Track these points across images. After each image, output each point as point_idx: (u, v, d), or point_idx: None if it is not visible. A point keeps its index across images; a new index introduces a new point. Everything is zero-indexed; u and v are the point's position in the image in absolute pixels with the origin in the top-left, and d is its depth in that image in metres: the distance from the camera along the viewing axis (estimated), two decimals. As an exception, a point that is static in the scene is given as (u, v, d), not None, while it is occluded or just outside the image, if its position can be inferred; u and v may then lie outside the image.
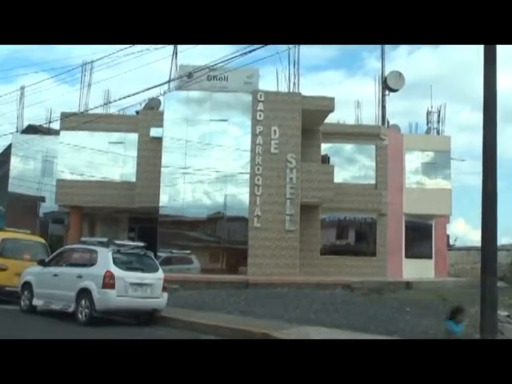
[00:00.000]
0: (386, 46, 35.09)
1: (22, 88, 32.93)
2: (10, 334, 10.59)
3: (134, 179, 28.83)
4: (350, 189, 29.73)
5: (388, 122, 33.78)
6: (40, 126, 33.05)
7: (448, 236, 39.56)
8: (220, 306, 16.49)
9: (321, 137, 29.74)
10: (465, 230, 76.59)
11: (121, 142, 30.42)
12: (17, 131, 33.83)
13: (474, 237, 70.17)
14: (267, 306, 16.59)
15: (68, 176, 30.18)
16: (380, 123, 32.60)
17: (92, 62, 30.33)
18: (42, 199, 33.57)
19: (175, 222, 27.24)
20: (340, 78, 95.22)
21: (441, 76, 76.94)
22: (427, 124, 34.55)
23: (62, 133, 30.34)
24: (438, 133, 34.19)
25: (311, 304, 17.25)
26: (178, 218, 27.22)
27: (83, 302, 13.67)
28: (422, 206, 31.19)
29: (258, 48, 15.29)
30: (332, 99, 27.51)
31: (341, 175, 30.18)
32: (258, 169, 26.55)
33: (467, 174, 79.22)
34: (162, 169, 26.69)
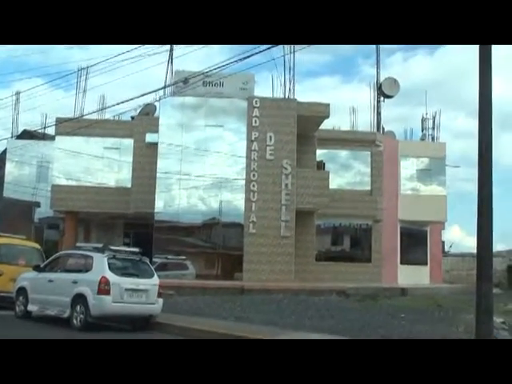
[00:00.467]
0: (382, 53, 35.28)
1: (18, 93, 32.92)
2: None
3: (129, 185, 28.79)
4: (346, 195, 29.79)
5: (383, 129, 33.87)
6: (35, 131, 33.00)
7: (443, 242, 39.62)
8: (215, 312, 16.45)
9: (316, 143, 29.79)
10: (460, 237, 76.80)
11: (116, 148, 30.38)
12: (12, 136, 33.78)
13: (469, 243, 70.46)
14: (262, 312, 16.55)
15: (63, 181, 30.12)
16: (375, 129, 32.68)
17: (87, 67, 30.36)
18: (37, 204, 33.49)
19: (170, 228, 27.22)
20: (335, 84, 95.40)
21: (436, 82, 77.21)
22: (422, 130, 34.70)
23: (57, 138, 30.28)
24: (432, 139, 34.28)
25: (306, 310, 17.23)
26: (173, 223, 27.21)
27: (78, 307, 13.61)
28: (417, 212, 31.25)
29: (254, 54, 15.34)
30: (327, 105, 27.57)
31: (336, 181, 30.23)
32: (254, 175, 26.56)
33: (462, 180, 79.38)
34: (158, 174, 26.70)
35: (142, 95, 20.20)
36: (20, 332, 13.04)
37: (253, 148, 26.73)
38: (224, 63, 16.79)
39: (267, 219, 26.30)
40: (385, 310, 17.80)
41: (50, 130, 31.86)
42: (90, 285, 13.56)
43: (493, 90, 10.54)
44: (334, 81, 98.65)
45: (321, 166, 30.47)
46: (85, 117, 28.18)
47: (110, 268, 13.83)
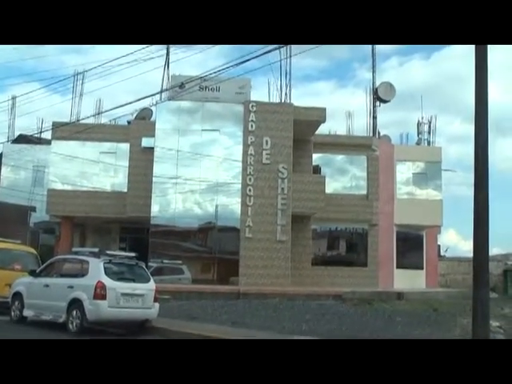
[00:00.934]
0: (377, 57, 35.20)
1: (14, 98, 32.89)
2: None
3: (125, 189, 28.76)
4: (342, 199, 29.82)
5: (379, 133, 33.88)
6: (31, 135, 32.91)
7: (439, 246, 39.63)
8: (212, 317, 16.45)
9: (312, 147, 29.83)
10: (456, 241, 76.92)
11: (112, 152, 30.35)
12: (8, 141, 33.71)
13: (465, 247, 70.40)
14: (259, 317, 16.56)
15: (59, 186, 30.07)
16: (371, 134, 32.71)
17: (84, 71, 30.34)
18: (33, 209, 33.39)
19: (166, 232, 27.20)
20: (331, 89, 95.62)
21: (432, 87, 77.34)
22: (418, 135, 34.69)
23: (53, 142, 30.27)
24: (428, 143, 34.30)
25: (303, 315, 17.22)
26: (169, 228, 27.20)
27: (74, 312, 13.57)
28: (413, 216, 31.27)
29: (251, 59, 15.36)
30: (323, 110, 27.60)
31: (332, 186, 30.29)
32: (250, 179, 26.56)
33: (458, 184, 79.53)
34: (154, 179, 26.70)
35: (139, 100, 20.25)
36: (15, 337, 12.99)
37: (249, 152, 26.74)
38: (220, 68, 16.84)
39: (263, 223, 26.30)
40: (381, 315, 17.81)
41: (46, 135, 31.79)
42: (86, 290, 13.52)
43: (489, 93, 10.57)
44: (329, 85, 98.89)
45: (317, 170, 30.51)
46: (81, 121, 28.17)
47: (106, 273, 13.80)
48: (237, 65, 16.22)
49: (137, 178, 28.16)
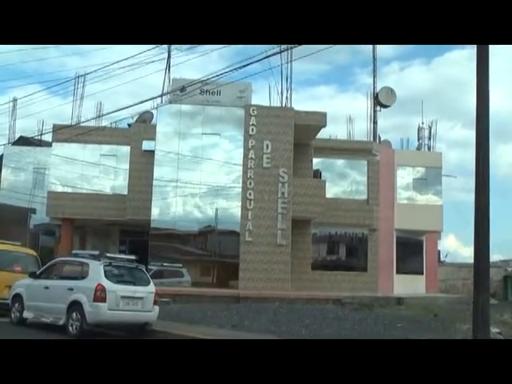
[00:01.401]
0: (378, 62, 35.28)
1: (15, 100, 32.92)
2: None
3: (125, 192, 28.77)
4: (342, 204, 29.82)
5: (379, 138, 33.90)
6: (32, 137, 32.98)
7: (439, 252, 39.63)
8: (211, 320, 16.43)
9: (313, 151, 29.83)
10: (455, 246, 76.83)
11: (113, 155, 30.39)
12: (8, 143, 33.77)
13: (465, 253, 70.29)
14: (258, 321, 16.53)
15: (59, 188, 30.11)
16: (371, 138, 32.73)
17: (85, 74, 30.37)
18: (33, 211, 33.41)
19: (166, 235, 27.18)
20: (332, 93, 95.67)
21: (432, 92, 77.35)
22: (418, 140, 34.73)
23: (53, 145, 30.32)
24: (429, 149, 34.33)
25: (303, 319, 17.19)
26: (169, 231, 27.18)
27: (74, 314, 13.57)
28: (414, 221, 31.27)
29: (252, 63, 15.38)
30: (324, 114, 27.60)
31: (332, 190, 30.29)
32: (250, 183, 26.57)
33: (458, 190, 79.50)
34: (154, 182, 26.70)
35: (140, 103, 20.21)
36: (15, 339, 12.98)
37: (249, 156, 26.75)
38: (221, 72, 16.85)
39: (263, 227, 26.30)
40: (381, 320, 17.77)
41: (47, 137, 31.89)
42: (86, 292, 13.52)
43: (490, 99, 10.56)
44: (330, 90, 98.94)
45: (317, 174, 30.50)
46: (82, 124, 28.23)
47: (106, 275, 13.80)
48: (238, 69, 16.24)
49: (137, 180, 28.17)
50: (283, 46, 19.40)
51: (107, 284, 13.57)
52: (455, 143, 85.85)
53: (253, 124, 26.98)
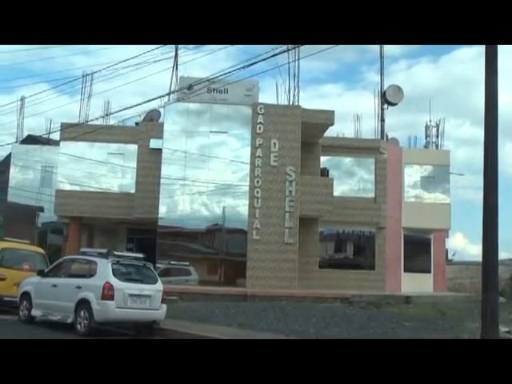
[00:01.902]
0: (385, 60, 35.19)
1: (23, 98, 33.01)
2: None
3: (133, 190, 28.84)
4: (349, 202, 29.76)
5: (387, 136, 33.84)
6: (40, 136, 33.03)
7: (447, 250, 39.49)
8: (219, 319, 16.44)
9: (320, 150, 29.79)
10: (463, 245, 76.58)
11: (120, 153, 30.47)
12: (16, 141, 33.87)
13: (472, 251, 70.25)
14: (266, 319, 16.53)
15: (67, 186, 30.20)
16: (379, 136, 32.66)
17: (92, 73, 30.45)
18: (41, 209, 33.52)
19: (174, 234, 27.22)
20: (339, 91, 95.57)
21: (440, 90, 77.17)
22: (426, 138, 34.63)
23: (61, 143, 30.42)
24: (436, 147, 34.22)
25: (310, 317, 17.19)
26: (176, 229, 27.21)
27: (82, 312, 13.59)
28: (421, 220, 31.18)
29: (259, 61, 15.38)
30: (332, 112, 27.54)
31: (340, 188, 30.26)
32: (258, 181, 26.56)
33: (466, 188, 79.26)
34: (162, 180, 26.72)
35: (147, 101, 20.31)
36: (23, 337, 13.02)
37: (257, 154, 26.74)
38: (229, 70, 16.87)
39: (271, 226, 26.28)
40: (389, 318, 17.75)
41: (55, 135, 31.97)
42: (94, 290, 13.55)
43: (498, 96, 10.53)
44: (338, 88, 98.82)
45: (325, 172, 30.45)
46: (89, 122, 28.27)
47: (113, 273, 13.82)
48: (245, 67, 16.26)
49: (144, 179, 28.22)
50: (290, 45, 19.38)
51: (115, 282, 13.59)
52: (463, 141, 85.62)
53: (260, 122, 26.95)
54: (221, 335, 12.93)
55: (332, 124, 27.90)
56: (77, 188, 30.11)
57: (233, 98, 27.47)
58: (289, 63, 26.75)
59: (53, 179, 32.16)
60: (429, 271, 33.13)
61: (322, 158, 30.19)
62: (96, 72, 29.16)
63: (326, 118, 27.57)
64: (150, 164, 28.15)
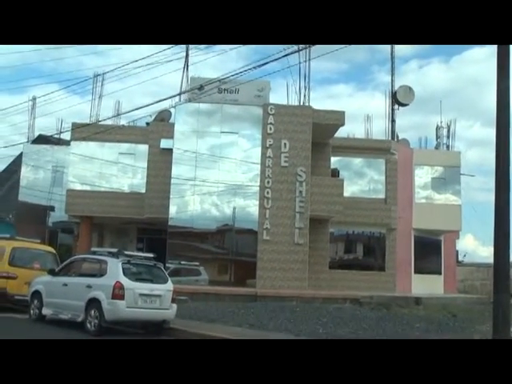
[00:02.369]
0: (396, 61, 35.11)
1: (34, 99, 33.17)
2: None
3: (143, 190, 28.92)
4: (360, 203, 29.69)
5: (397, 136, 33.75)
6: (51, 136, 33.20)
7: (457, 252, 39.35)
8: (229, 319, 16.44)
9: (331, 150, 29.74)
10: (473, 246, 76.26)
11: (131, 153, 30.55)
12: (27, 141, 34.03)
13: (483, 253, 69.86)
14: (276, 319, 16.52)
15: (78, 186, 30.32)
16: (390, 137, 32.59)
17: (103, 73, 30.59)
18: (52, 209, 33.66)
19: (184, 234, 27.23)
20: (350, 92, 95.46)
21: (451, 91, 77.04)
22: (437, 139, 34.53)
23: (72, 143, 30.54)
24: (447, 148, 34.10)
25: (320, 318, 17.17)
26: (186, 229, 27.22)
27: (92, 312, 13.64)
28: (432, 221, 31.10)
29: (270, 62, 15.37)
30: (343, 113, 27.46)
31: (350, 189, 30.22)
32: (268, 182, 26.54)
33: (476, 189, 78.95)
34: (172, 180, 26.75)
35: (158, 101, 20.38)
36: (34, 335, 13.08)
37: (267, 155, 26.72)
38: (239, 70, 16.88)
39: (281, 226, 26.26)
40: (399, 320, 17.69)
41: (66, 135, 32.11)
42: (105, 289, 13.59)
43: (510, 97, 10.48)
44: (348, 88, 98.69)
45: (335, 173, 30.40)
46: (100, 122, 28.37)
47: (124, 273, 13.86)
48: (256, 67, 16.27)
49: (155, 179, 28.29)
50: (301, 45, 19.37)
51: (125, 282, 13.63)
52: (474, 142, 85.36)
53: (271, 123, 26.94)
54: (231, 335, 12.93)
55: (343, 124, 27.84)
56: (87, 188, 30.22)
57: (243, 99, 27.48)
58: (299, 63, 26.72)
59: (63, 179, 32.31)
60: (439, 273, 33.07)
61: (333, 159, 30.14)
62: (107, 72, 29.33)
63: (337, 119, 27.51)
64: (160, 164, 28.20)
